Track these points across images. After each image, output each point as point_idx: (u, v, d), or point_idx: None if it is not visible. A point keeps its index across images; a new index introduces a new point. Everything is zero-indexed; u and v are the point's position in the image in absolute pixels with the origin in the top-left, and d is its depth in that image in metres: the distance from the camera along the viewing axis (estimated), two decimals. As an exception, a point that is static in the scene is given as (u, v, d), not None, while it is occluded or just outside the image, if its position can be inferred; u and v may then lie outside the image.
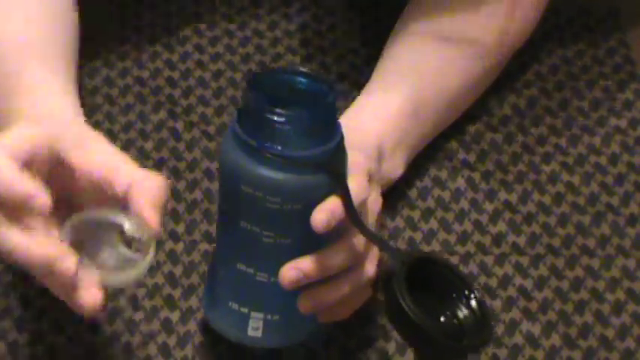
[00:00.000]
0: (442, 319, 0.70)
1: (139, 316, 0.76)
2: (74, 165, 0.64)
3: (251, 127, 0.64)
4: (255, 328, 0.69)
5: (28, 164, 0.61)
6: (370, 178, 0.70)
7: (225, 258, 0.69)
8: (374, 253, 0.69)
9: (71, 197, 0.65)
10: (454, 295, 0.70)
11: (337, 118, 0.66)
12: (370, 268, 0.69)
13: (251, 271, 0.67)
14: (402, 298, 0.66)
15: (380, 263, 0.71)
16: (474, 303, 0.70)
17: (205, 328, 0.75)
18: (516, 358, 0.75)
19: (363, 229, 0.66)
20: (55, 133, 0.64)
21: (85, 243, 0.63)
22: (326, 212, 0.63)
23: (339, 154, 0.65)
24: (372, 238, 0.67)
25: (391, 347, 0.75)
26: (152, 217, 0.62)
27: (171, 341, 0.75)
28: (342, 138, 0.65)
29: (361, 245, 0.67)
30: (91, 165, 0.64)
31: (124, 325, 0.75)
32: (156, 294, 0.77)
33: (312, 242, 0.66)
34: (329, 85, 0.65)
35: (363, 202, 0.67)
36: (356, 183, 0.66)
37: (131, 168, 0.65)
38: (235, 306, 0.69)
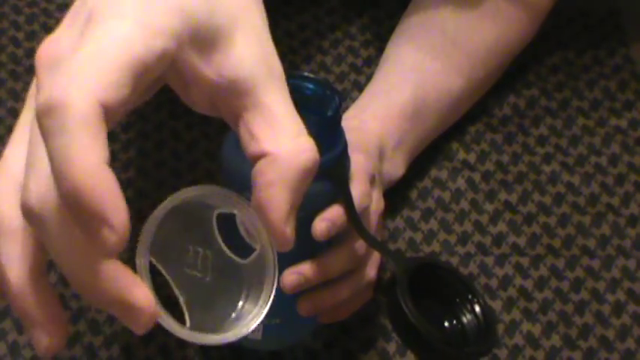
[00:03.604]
0: (446, 324, 0.70)
1: (139, 316, 0.76)
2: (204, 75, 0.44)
3: None
4: (255, 331, 0.68)
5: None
6: (373, 180, 0.70)
7: None
8: (375, 257, 0.69)
9: None
10: (458, 300, 0.70)
11: (341, 125, 0.65)
12: (371, 272, 0.69)
13: None
14: (405, 306, 0.66)
15: (380, 266, 0.71)
16: (477, 308, 0.70)
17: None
18: (516, 359, 0.75)
19: (366, 237, 0.66)
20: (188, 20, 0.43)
21: (167, 237, 0.46)
22: (327, 222, 0.63)
23: (343, 161, 0.65)
24: (375, 245, 0.67)
25: (392, 348, 0.75)
26: (286, 223, 0.45)
27: (172, 341, 0.75)
28: (346, 144, 0.65)
29: (362, 249, 0.67)
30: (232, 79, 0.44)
31: (123, 325, 0.75)
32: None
33: (314, 247, 0.66)
34: (334, 90, 0.65)
35: (366, 209, 0.67)
36: (359, 190, 0.66)
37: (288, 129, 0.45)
38: None
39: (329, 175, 0.63)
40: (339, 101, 0.64)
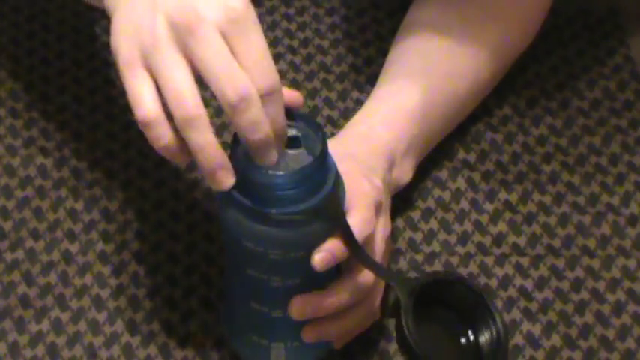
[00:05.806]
0: (462, 340, 0.70)
1: (139, 316, 0.76)
2: None
3: (242, 187, 0.62)
4: (277, 356, 0.69)
5: None
6: (379, 206, 0.70)
7: (238, 296, 0.70)
8: (380, 286, 0.71)
9: None
10: (475, 313, 0.69)
11: (329, 159, 0.64)
12: (376, 302, 0.70)
13: (265, 309, 0.67)
14: (409, 334, 0.66)
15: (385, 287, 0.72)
16: (493, 324, 0.69)
17: (206, 328, 0.75)
18: (517, 359, 0.75)
19: (369, 264, 0.67)
20: None
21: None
22: (325, 253, 0.64)
23: (335, 196, 0.64)
24: (378, 271, 0.67)
25: (392, 348, 0.75)
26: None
27: (172, 342, 0.75)
28: (337, 177, 0.64)
29: (370, 282, 0.67)
30: None
31: (124, 326, 0.75)
32: (156, 294, 0.77)
33: (322, 277, 0.66)
34: (318, 127, 0.63)
35: (369, 236, 0.67)
36: (360, 218, 0.66)
37: None
38: (255, 338, 0.69)
39: (322, 213, 0.63)
40: (323, 140, 0.62)
